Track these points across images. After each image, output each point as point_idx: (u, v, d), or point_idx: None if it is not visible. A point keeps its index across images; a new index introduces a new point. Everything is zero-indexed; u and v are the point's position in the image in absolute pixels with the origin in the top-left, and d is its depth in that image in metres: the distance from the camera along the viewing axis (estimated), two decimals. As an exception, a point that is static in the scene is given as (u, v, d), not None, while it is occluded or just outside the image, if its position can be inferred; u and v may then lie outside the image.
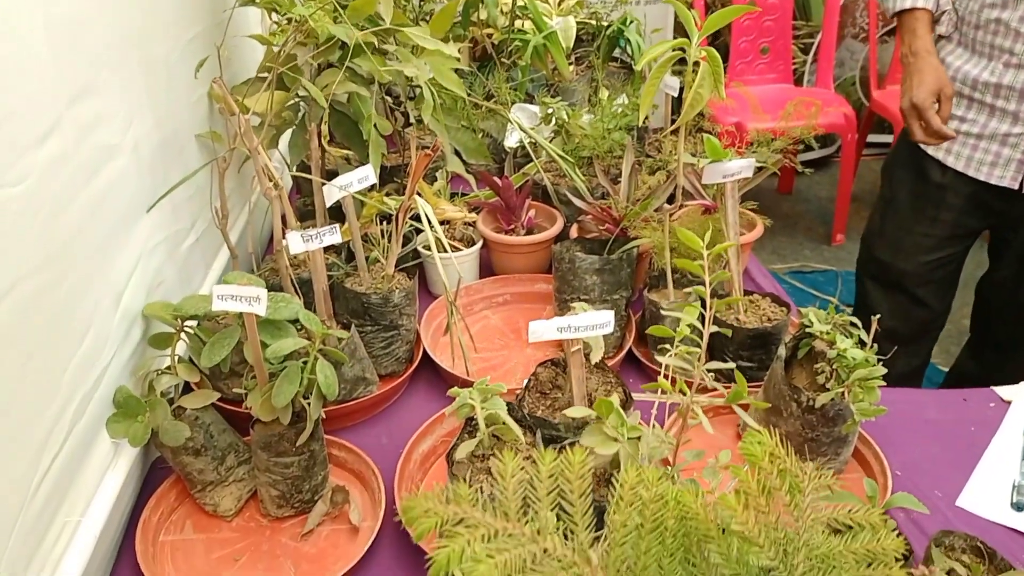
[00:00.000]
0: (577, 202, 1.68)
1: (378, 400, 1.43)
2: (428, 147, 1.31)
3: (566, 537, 0.46)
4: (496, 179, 1.73)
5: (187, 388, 1.24)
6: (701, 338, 0.97)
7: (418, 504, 0.47)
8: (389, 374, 1.50)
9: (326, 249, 1.57)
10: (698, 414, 0.86)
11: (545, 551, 0.44)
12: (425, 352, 1.52)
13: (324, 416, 1.30)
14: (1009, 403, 1.44)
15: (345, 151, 1.66)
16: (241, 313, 1.09)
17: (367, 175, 1.39)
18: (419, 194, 1.52)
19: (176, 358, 1.19)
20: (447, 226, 1.76)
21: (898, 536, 1.01)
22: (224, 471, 1.21)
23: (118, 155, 1.13)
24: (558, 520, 0.47)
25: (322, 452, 1.22)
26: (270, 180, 1.29)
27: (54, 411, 0.94)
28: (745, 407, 1.04)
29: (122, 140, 1.15)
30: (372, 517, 1.20)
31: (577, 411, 1.02)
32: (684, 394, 0.88)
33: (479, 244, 1.74)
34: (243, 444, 1.25)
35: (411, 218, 1.64)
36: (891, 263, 2.04)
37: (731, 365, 1.05)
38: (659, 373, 1.02)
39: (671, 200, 1.61)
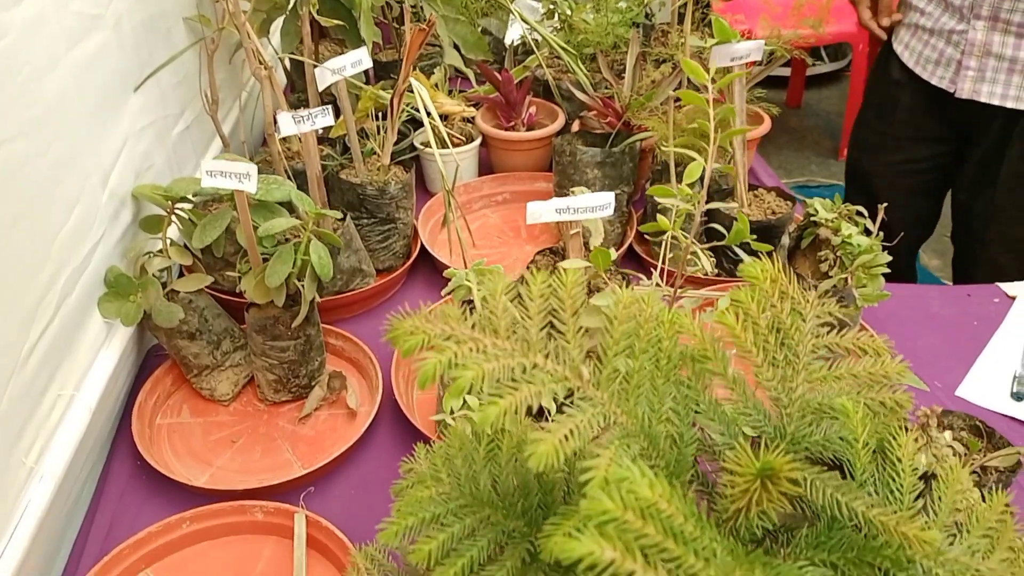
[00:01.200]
0: (580, 95, 1.63)
1: (375, 292, 1.42)
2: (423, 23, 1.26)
3: (557, 357, 0.44)
4: (496, 73, 1.68)
5: (180, 277, 1.22)
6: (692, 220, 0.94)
7: (404, 324, 0.45)
8: (386, 269, 1.48)
9: (321, 143, 1.54)
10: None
11: (535, 365, 0.42)
12: (423, 248, 1.50)
13: (320, 300, 1.29)
14: (1013, 299, 1.42)
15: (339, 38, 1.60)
16: (232, 194, 1.07)
17: (361, 58, 1.34)
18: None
19: (168, 241, 1.17)
20: (445, 121, 1.72)
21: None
22: (220, 356, 1.20)
23: (100, 27, 1.09)
24: (550, 340, 0.45)
25: (318, 337, 1.21)
26: (259, 63, 1.24)
27: (43, 280, 0.92)
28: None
29: (104, 12, 1.10)
30: (369, 403, 1.19)
31: (572, 263, 0.99)
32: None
33: (478, 140, 1.70)
34: (239, 330, 1.23)
35: (408, 107, 1.59)
36: (858, 163, 1.98)
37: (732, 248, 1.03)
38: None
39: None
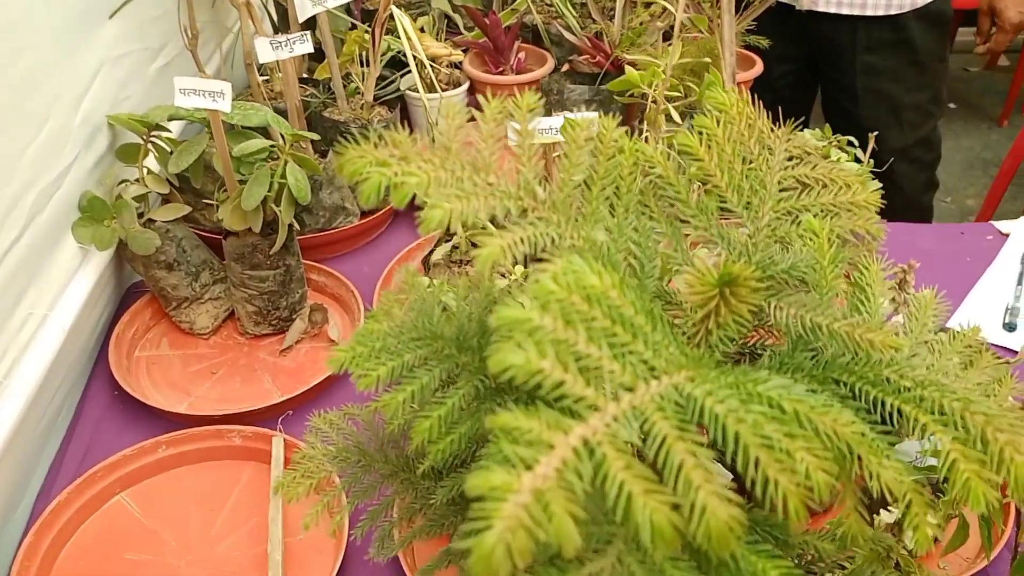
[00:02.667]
0: (569, 37, 1.60)
1: (359, 232, 1.40)
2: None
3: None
4: (484, 18, 1.65)
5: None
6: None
7: (349, 150, 0.43)
8: (372, 210, 1.46)
9: (304, 84, 1.52)
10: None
11: (489, 184, 0.40)
12: (409, 190, 1.48)
13: (302, 236, 1.27)
14: (1007, 236, 1.40)
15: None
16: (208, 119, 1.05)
17: (342, -10, 1.31)
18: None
19: (145, 170, 1.15)
20: (433, 63, 1.69)
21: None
22: (199, 288, 1.19)
23: (72, -54, 1.06)
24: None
25: (299, 269, 1.19)
26: (239, -9, 1.22)
27: (10, 193, 0.90)
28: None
29: (76, -68, 1.08)
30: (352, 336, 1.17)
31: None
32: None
33: (466, 85, 1.67)
34: (218, 262, 1.22)
35: (394, 51, 1.57)
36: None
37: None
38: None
39: (668, 38, 1.54)
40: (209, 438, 1.02)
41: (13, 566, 0.86)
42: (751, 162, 0.43)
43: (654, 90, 0.92)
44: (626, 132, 0.42)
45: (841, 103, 1.82)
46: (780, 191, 0.43)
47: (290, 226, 1.12)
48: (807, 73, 1.88)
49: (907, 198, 1.85)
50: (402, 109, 1.59)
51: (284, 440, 1.01)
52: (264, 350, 1.19)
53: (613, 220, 0.42)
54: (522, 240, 0.37)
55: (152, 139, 1.15)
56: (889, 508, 0.57)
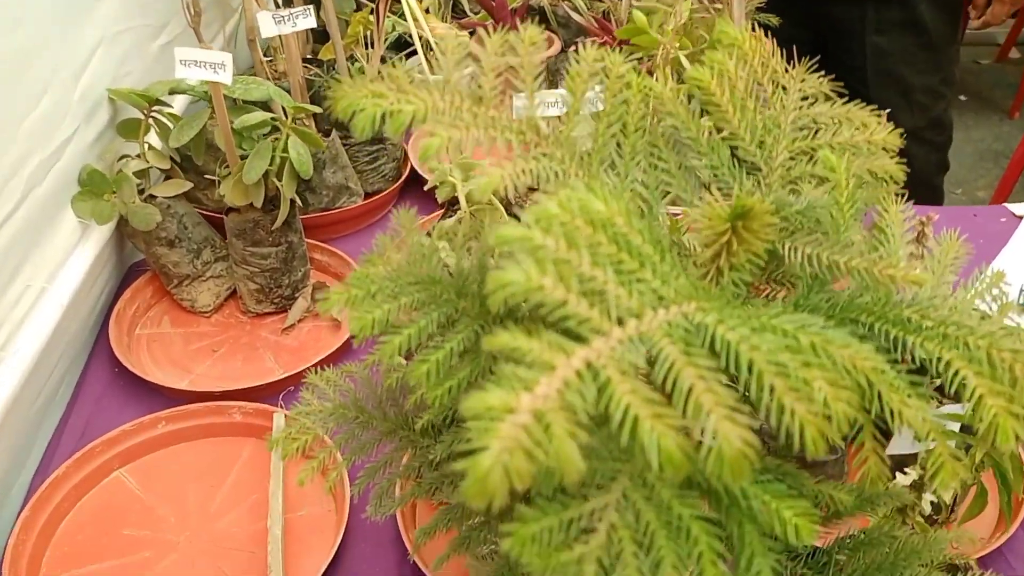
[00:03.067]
0: (576, 17, 1.58)
1: (363, 212, 1.38)
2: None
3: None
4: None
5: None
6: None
7: (344, 84, 0.41)
8: (375, 191, 1.44)
9: (308, 63, 1.50)
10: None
11: (492, 119, 0.39)
12: (413, 172, 1.46)
13: (305, 216, 1.25)
14: (1020, 218, 1.38)
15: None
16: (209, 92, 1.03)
17: (346, -34, 1.30)
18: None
19: (146, 146, 1.13)
20: (438, 47, 1.67)
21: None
22: (200, 265, 1.17)
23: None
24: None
25: (301, 246, 1.17)
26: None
27: (9, 162, 0.89)
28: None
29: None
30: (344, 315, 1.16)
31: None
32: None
33: (471, 68, 1.66)
34: (220, 240, 1.20)
35: (400, 32, 1.55)
36: None
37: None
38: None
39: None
40: (209, 414, 1.01)
41: (9, 541, 0.85)
42: (764, 100, 0.41)
43: (663, 35, 0.89)
44: (633, 67, 0.41)
45: (851, 84, 1.79)
46: (795, 131, 0.42)
47: (292, 202, 1.11)
48: (815, 56, 1.86)
49: (919, 179, 1.82)
50: (407, 90, 1.58)
51: (285, 416, 0.99)
52: (266, 328, 1.18)
53: (620, 160, 0.40)
54: (523, 172, 0.35)
55: (153, 114, 1.13)
56: (906, 470, 0.55)
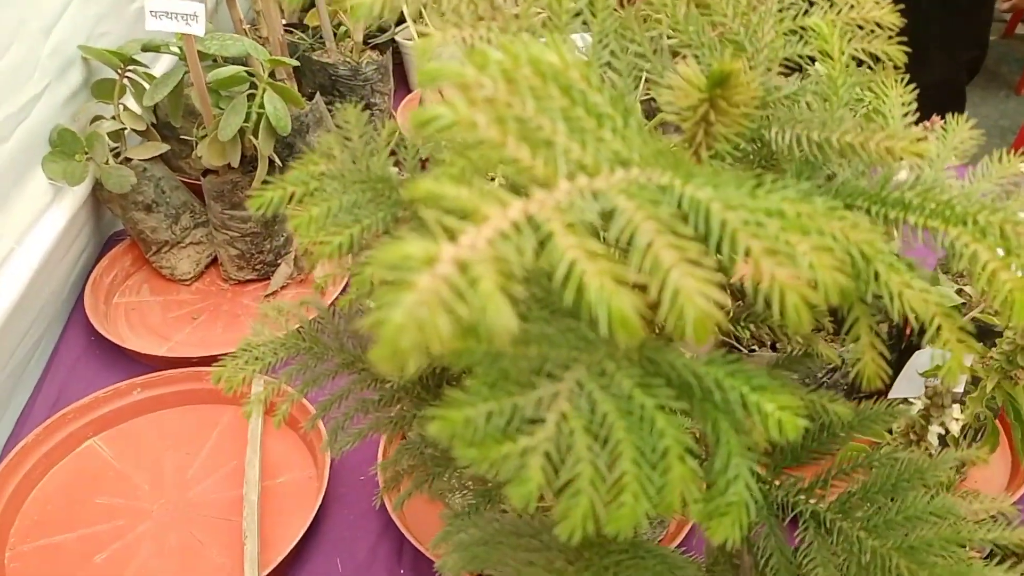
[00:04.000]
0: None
1: (350, 179, 1.34)
2: None
3: None
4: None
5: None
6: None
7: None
8: (364, 159, 1.40)
9: (293, 28, 1.46)
10: None
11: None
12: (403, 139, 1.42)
13: (282, 167, 1.21)
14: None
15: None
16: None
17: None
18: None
19: (121, 107, 1.09)
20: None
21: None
22: (179, 231, 1.13)
23: None
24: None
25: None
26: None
27: (-33, 115, 0.85)
28: None
29: None
30: (338, 282, 1.12)
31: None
32: None
33: (462, 34, 1.61)
34: (200, 206, 1.16)
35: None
36: None
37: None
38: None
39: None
40: (187, 380, 0.97)
41: (-26, 508, 0.81)
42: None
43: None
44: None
45: None
46: (782, 8, 0.37)
47: (272, 162, 1.07)
48: None
49: (943, 86, 1.77)
50: (394, 55, 1.53)
51: (264, 381, 0.95)
52: (248, 296, 1.14)
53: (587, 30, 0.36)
54: (469, 38, 0.31)
55: (128, 75, 1.09)
56: (910, 400, 0.51)
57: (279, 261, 1.15)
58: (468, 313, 0.21)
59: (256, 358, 0.49)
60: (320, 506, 0.84)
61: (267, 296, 1.13)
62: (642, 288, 0.22)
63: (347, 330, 0.51)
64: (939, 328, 0.28)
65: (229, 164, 1.06)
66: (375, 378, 0.49)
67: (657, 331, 0.31)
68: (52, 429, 0.90)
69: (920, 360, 0.60)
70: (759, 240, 0.24)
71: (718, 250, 0.25)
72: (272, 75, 1.05)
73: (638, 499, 0.24)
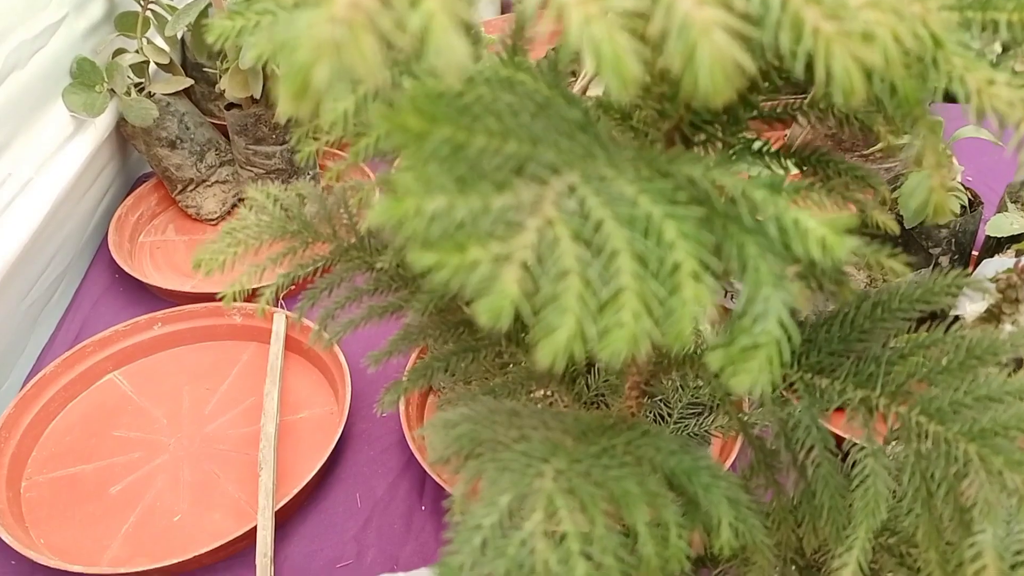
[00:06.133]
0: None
1: (381, 121, 1.30)
2: None
3: None
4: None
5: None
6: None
7: None
8: (396, 102, 1.36)
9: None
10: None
11: None
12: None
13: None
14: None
15: None
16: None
17: None
18: None
19: (144, 40, 1.06)
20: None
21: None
22: (204, 169, 1.11)
23: None
24: None
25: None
26: None
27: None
28: None
29: None
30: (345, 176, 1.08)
31: None
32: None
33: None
34: (225, 143, 1.13)
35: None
36: None
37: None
38: None
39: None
40: (208, 316, 0.94)
41: (-8, 438, 0.80)
42: None
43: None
44: None
45: None
46: None
47: (295, 93, 1.03)
48: None
49: None
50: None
51: (287, 316, 0.92)
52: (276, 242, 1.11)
53: None
54: None
55: (151, 6, 1.06)
56: (967, 293, 0.44)
57: (306, 200, 1.11)
58: (403, 39, 0.16)
59: (239, 241, 0.45)
60: (341, 442, 0.81)
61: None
62: (642, 18, 0.17)
63: (339, 220, 0.47)
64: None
65: (252, 97, 1.03)
66: (369, 265, 0.45)
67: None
68: (71, 362, 0.88)
69: (987, 270, 0.54)
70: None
71: None
72: (295, 2, 1.01)
73: (639, 319, 0.19)
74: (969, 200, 0.81)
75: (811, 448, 0.31)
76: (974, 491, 0.27)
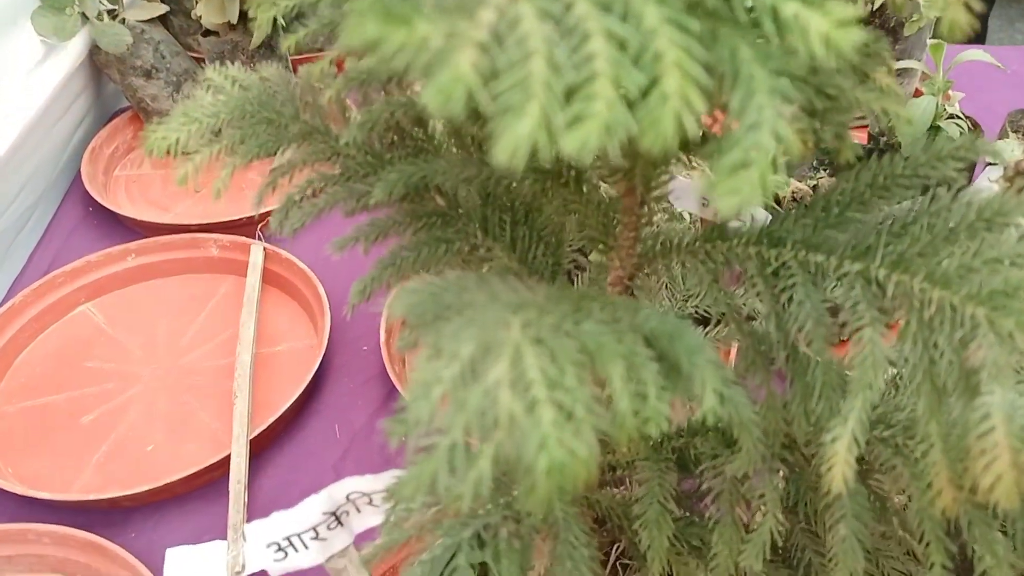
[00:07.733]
0: None
1: (365, 58, 1.26)
2: None
3: None
4: None
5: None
6: None
7: None
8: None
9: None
10: None
11: None
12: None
13: (285, 26, 1.13)
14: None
15: None
16: None
17: None
18: None
19: (117, -36, 1.02)
20: None
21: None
22: (181, 100, 1.07)
23: None
24: None
25: (289, 75, 1.06)
26: None
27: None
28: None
29: None
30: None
31: None
32: None
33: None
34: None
35: None
36: None
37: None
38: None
39: None
40: (184, 247, 0.91)
41: (-43, 366, 0.77)
42: None
43: None
44: None
45: None
46: None
47: (275, 19, 0.99)
48: None
49: None
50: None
51: (264, 248, 0.90)
52: (254, 170, 1.06)
53: None
54: None
55: (123, -72, 1.02)
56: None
57: (286, 134, 1.08)
58: None
59: (193, 119, 0.43)
60: (320, 375, 0.78)
61: (273, 170, 1.06)
62: None
63: (306, 105, 0.44)
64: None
65: (229, 23, 0.99)
66: (335, 151, 0.42)
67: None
68: (41, 292, 0.85)
69: (1002, 148, 0.51)
70: None
71: None
72: (273, -78, 0.96)
73: (613, 109, 0.17)
74: (969, 129, 0.78)
75: (803, 326, 0.29)
76: (982, 354, 0.24)
